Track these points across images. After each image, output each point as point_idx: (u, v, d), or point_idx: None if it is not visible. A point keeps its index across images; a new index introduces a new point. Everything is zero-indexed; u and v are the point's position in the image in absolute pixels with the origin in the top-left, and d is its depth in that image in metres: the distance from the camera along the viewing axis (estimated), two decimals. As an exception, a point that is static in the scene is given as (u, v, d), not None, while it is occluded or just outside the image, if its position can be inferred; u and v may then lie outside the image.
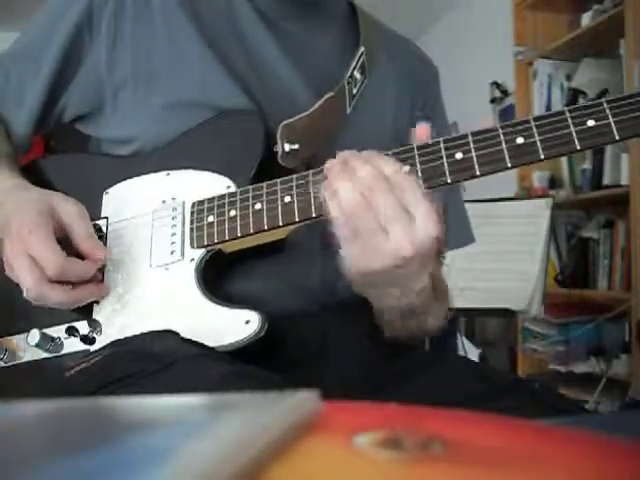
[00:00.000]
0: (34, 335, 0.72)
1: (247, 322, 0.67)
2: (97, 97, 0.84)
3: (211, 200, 0.74)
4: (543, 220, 2.01)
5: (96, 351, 0.69)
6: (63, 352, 0.73)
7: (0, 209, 0.73)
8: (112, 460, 0.22)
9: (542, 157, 0.63)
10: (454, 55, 3.63)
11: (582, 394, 2.38)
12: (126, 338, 0.69)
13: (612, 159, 2.43)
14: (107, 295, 0.74)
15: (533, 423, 0.30)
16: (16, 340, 0.76)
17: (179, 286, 0.72)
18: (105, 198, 0.81)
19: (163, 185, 0.79)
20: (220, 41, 0.82)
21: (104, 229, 0.78)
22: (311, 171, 0.70)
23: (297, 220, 0.69)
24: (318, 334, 0.77)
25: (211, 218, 0.73)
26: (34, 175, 0.83)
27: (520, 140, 0.63)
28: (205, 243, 0.73)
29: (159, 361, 0.61)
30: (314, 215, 0.69)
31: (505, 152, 0.63)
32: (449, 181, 0.65)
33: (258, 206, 0.71)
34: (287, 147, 0.76)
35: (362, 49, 0.87)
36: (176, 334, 0.67)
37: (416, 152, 0.66)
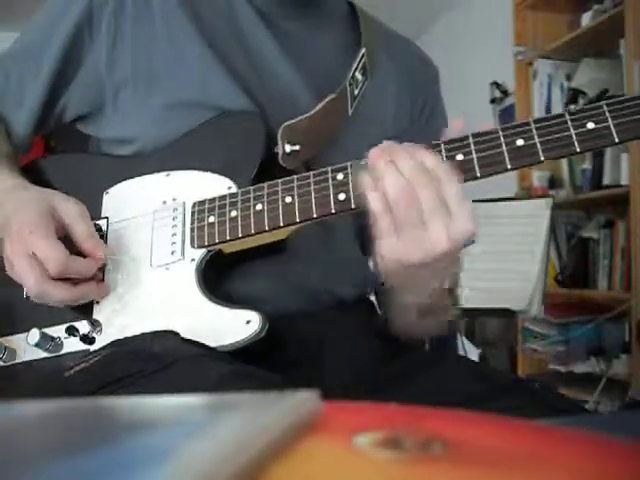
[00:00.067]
0: (34, 335, 0.72)
1: (247, 322, 0.67)
2: (97, 97, 0.84)
3: (212, 200, 0.74)
4: (543, 220, 2.01)
5: (96, 351, 0.69)
6: (63, 352, 0.73)
7: (0, 209, 0.73)
8: (112, 460, 0.22)
9: (542, 159, 0.63)
10: (454, 55, 3.63)
11: (582, 394, 2.38)
12: (126, 338, 0.69)
13: (612, 159, 2.43)
14: (107, 295, 0.74)
15: (533, 423, 0.30)
16: (16, 340, 0.76)
17: (179, 286, 0.72)
18: (105, 198, 0.81)
19: (164, 185, 0.79)
20: (220, 41, 0.82)
21: (104, 229, 0.78)
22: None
23: (298, 221, 0.69)
24: (318, 334, 0.77)
25: (212, 218, 0.73)
26: (34, 175, 0.83)
27: (520, 142, 0.63)
28: (206, 243, 0.73)
29: (159, 361, 0.61)
30: (315, 216, 0.69)
31: (505, 154, 0.64)
32: None
33: (259, 207, 0.71)
34: (288, 148, 0.76)
35: (363, 50, 0.87)
36: (176, 334, 0.67)
37: None
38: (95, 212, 0.78)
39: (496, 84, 3.43)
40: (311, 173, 0.70)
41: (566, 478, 0.22)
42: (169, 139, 0.80)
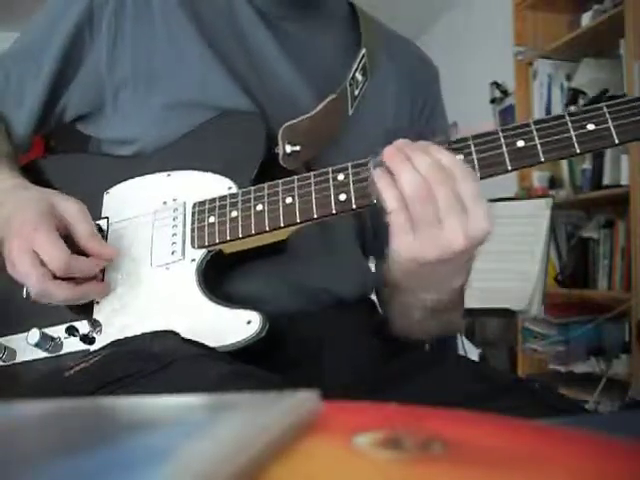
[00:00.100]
0: (34, 334, 0.72)
1: (248, 322, 0.67)
2: (97, 97, 0.84)
3: (212, 201, 0.74)
4: (543, 220, 2.01)
5: (96, 351, 0.69)
6: (63, 352, 0.73)
7: (0, 209, 0.73)
8: (112, 460, 0.22)
9: (542, 160, 0.63)
10: (454, 55, 3.63)
11: (582, 394, 2.38)
12: (126, 338, 0.69)
13: (612, 159, 2.43)
14: (108, 294, 0.74)
15: (533, 423, 0.30)
16: (16, 340, 0.76)
17: (180, 286, 0.72)
18: (106, 198, 0.81)
19: (164, 186, 0.79)
20: (220, 41, 0.82)
21: (104, 229, 0.78)
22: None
23: (298, 221, 0.69)
24: (318, 334, 0.77)
25: (212, 219, 0.73)
26: (34, 175, 0.83)
27: (521, 143, 0.63)
28: (206, 243, 0.73)
29: (158, 361, 0.61)
30: (315, 216, 0.69)
31: (506, 155, 0.64)
32: None
33: (259, 207, 0.71)
34: (288, 149, 0.76)
35: (364, 50, 0.87)
36: (176, 334, 0.67)
37: None
38: (95, 212, 0.78)
39: (496, 84, 3.43)
40: (312, 174, 0.70)
41: (566, 478, 0.22)
42: (169, 139, 0.80)
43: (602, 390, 2.27)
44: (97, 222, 0.78)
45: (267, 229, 0.70)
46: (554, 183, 2.80)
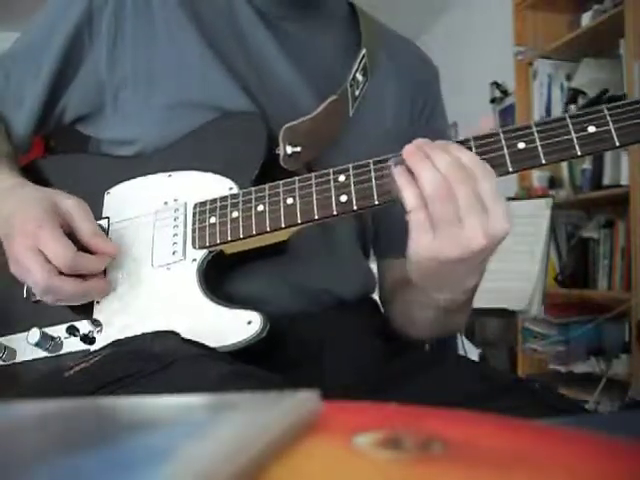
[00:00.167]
0: (34, 334, 0.72)
1: (249, 323, 0.67)
2: (97, 98, 0.83)
3: (213, 201, 0.74)
4: (543, 220, 2.01)
5: (96, 351, 0.69)
6: (63, 352, 0.73)
7: (1, 208, 0.73)
8: (112, 460, 0.22)
9: (543, 162, 0.63)
10: (454, 55, 3.63)
11: (582, 394, 2.38)
12: (126, 338, 0.69)
13: (612, 159, 2.43)
14: (109, 294, 0.74)
15: (533, 423, 0.30)
16: (16, 339, 0.76)
17: (181, 286, 0.72)
18: (107, 198, 0.81)
19: (165, 186, 0.79)
20: (220, 41, 0.82)
21: (105, 229, 0.78)
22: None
23: (299, 222, 0.69)
24: (318, 334, 0.77)
25: (213, 219, 0.73)
26: (34, 175, 0.83)
27: (521, 145, 0.64)
28: (207, 244, 0.73)
29: (159, 361, 0.61)
30: (316, 217, 0.69)
31: (507, 157, 0.64)
32: None
33: (260, 208, 0.71)
34: (289, 149, 0.76)
35: (364, 51, 0.87)
36: (176, 334, 0.67)
37: None
38: (96, 212, 0.78)
39: (496, 84, 3.43)
40: (313, 174, 0.70)
41: (566, 478, 0.22)
42: (170, 139, 0.80)
43: (602, 390, 2.27)
44: (98, 222, 0.78)
45: (268, 230, 0.70)
46: (554, 183, 2.80)
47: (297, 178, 0.71)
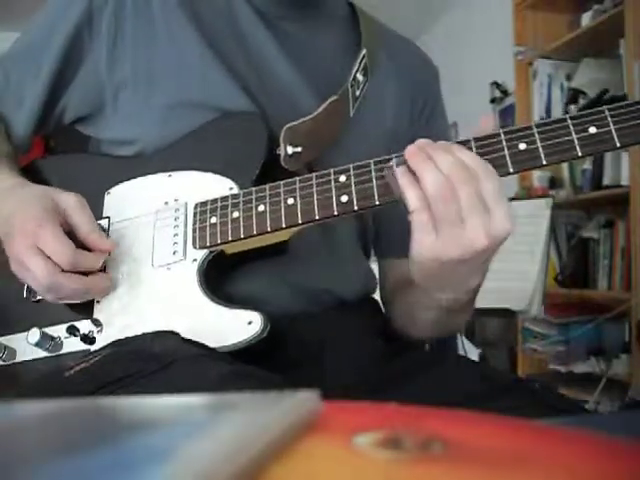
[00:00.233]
0: (34, 334, 0.72)
1: (249, 323, 0.67)
2: (97, 98, 0.83)
3: (214, 201, 0.74)
4: (543, 220, 2.01)
5: (96, 351, 0.69)
6: (63, 351, 0.73)
7: (1, 207, 0.73)
8: (112, 460, 0.22)
9: (544, 163, 0.63)
10: (454, 55, 3.63)
11: (582, 394, 2.38)
12: (126, 338, 0.69)
13: (612, 159, 2.43)
14: (108, 293, 0.74)
15: (533, 423, 0.30)
16: (16, 339, 0.76)
17: (181, 286, 0.72)
18: (107, 198, 0.81)
19: (166, 186, 0.79)
20: (220, 41, 0.82)
21: (106, 228, 0.78)
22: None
23: (300, 222, 0.69)
24: (319, 335, 0.77)
25: (214, 219, 0.73)
26: (34, 175, 0.83)
27: (522, 146, 0.64)
28: (208, 244, 0.73)
29: (159, 361, 0.61)
30: (317, 217, 0.69)
31: (507, 158, 0.64)
32: None
33: (261, 208, 0.71)
34: (290, 150, 0.76)
35: (364, 51, 0.87)
36: (177, 334, 0.67)
37: None
38: (96, 212, 0.78)
39: (496, 84, 3.43)
40: (313, 175, 0.70)
41: (566, 478, 0.22)
42: (170, 140, 0.80)
43: (602, 390, 2.27)
44: (98, 222, 0.78)
45: (269, 230, 0.70)
46: (554, 183, 2.80)
47: (298, 178, 0.71)
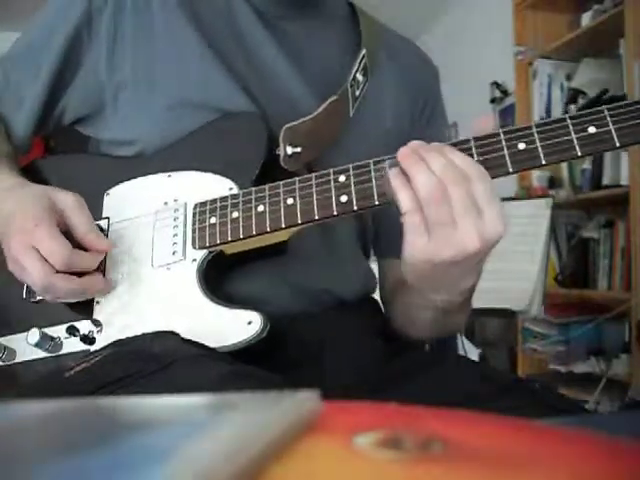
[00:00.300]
0: (34, 334, 0.72)
1: (249, 323, 0.67)
2: (97, 98, 0.83)
3: (213, 202, 0.74)
4: (543, 220, 2.01)
5: (96, 351, 0.69)
6: (62, 352, 0.73)
7: (0, 207, 0.73)
8: (112, 460, 0.22)
9: (544, 163, 0.63)
10: (454, 55, 3.63)
11: (582, 394, 2.38)
12: (127, 338, 0.69)
13: (612, 159, 2.43)
14: (109, 291, 0.74)
15: (533, 423, 0.30)
16: (16, 339, 0.76)
17: (181, 286, 0.72)
18: (106, 198, 0.81)
19: (165, 186, 0.79)
20: (220, 41, 0.82)
21: (105, 229, 0.78)
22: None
23: (300, 222, 0.69)
24: (318, 335, 0.77)
25: (213, 219, 0.73)
26: (34, 175, 0.83)
27: (522, 146, 0.64)
28: (207, 244, 0.73)
29: (159, 361, 0.61)
30: (317, 217, 0.69)
31: (507, 157, 0.64)
32: None
33: (261, 208, 0.71)
34: (289, 150, 0.76)
35: (364, 51, 0.87)
36: (176, 335, 0.67)
37: None
38: (96, 212, 0.78)
39: (496, 84, 3.43)
40: (313, 175, 0.70)
41: (566, 478, 0.22)
42: (170, 140, 0.80)
43: (602, 390, 2.27)
44: (98, 222, 0.78)
45: (268, 230, 0.70)
46: (554, 183, 2.80)
47: (297, 178, 0.71)
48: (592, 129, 0.62)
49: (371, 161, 0.68)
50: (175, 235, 0.75)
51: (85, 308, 0.74)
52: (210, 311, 0.69)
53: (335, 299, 0.81)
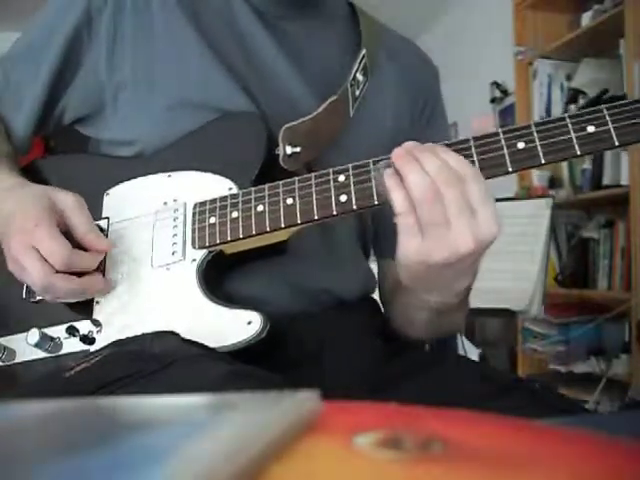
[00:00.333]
0: (33, 334, 0.72)
1: (249, 323, 0.67)
2: (97, 99, 0.83)
3: (213, 201, 0.74)
4: (543, 220, 2.01)
5: (96, 351, 0.69)
6: (62, 352, 0.73)
7: (1, 207, 0.73)
8: (112, 460, 0.22)
9: (543, 162, 0.63)
10: (454, 55, 3.63)
11: (582, 394, 2.38)
12: (127, 338, 0.69)
13: (612, 159, 2.43)
14: (109, 292, 0.74)
15: (533, 423, 0.30)
16: (15, 340, 0.76)
17: (180, 286, 0.72)
18: (106, 199, 0.81)
19: (165, 186, 0.79)
20: (219, 41, 0.82)
21: (105, 229, 0.78)
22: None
23: (299, 222, 0.69)
24: (318, 335, 0.77)
25: (213, 219, 0.73)
26: (34, 175, 0.83)
27: (521, 145, 0.64)
28: (207, 244, 0.73)
29: (159, 361, 0.61)
30: (316, 217, 0.69)
31: (506, 157, 0.64)
32: None
33: (260, 208, 0.71)
34: (289, 150, 0.75)
35: (364, 51, 0.87)
36: (176, 335, 0.67)
37: None
38: (96, 212, 0.78)
39: (496, 84, 3.43)
40: (312, 175, 0.70)
41: (566, 478, 0.22)
42: (170, 140, 0.80)
43: (602, 390, 2.27)
44: (97, 222, 0.78)
45: (268, 230, 0.70)
46: (554, 183, 2.80)
47: (297, 178, 0.71)
48: (591, 128, 0.62)
49: (370, 161, 0.68)
50: (175, 235, 0.75)
51: (85, 308, 0.74)
52: (210, 311, 0.69)
53: (335, 299, 0.81)
